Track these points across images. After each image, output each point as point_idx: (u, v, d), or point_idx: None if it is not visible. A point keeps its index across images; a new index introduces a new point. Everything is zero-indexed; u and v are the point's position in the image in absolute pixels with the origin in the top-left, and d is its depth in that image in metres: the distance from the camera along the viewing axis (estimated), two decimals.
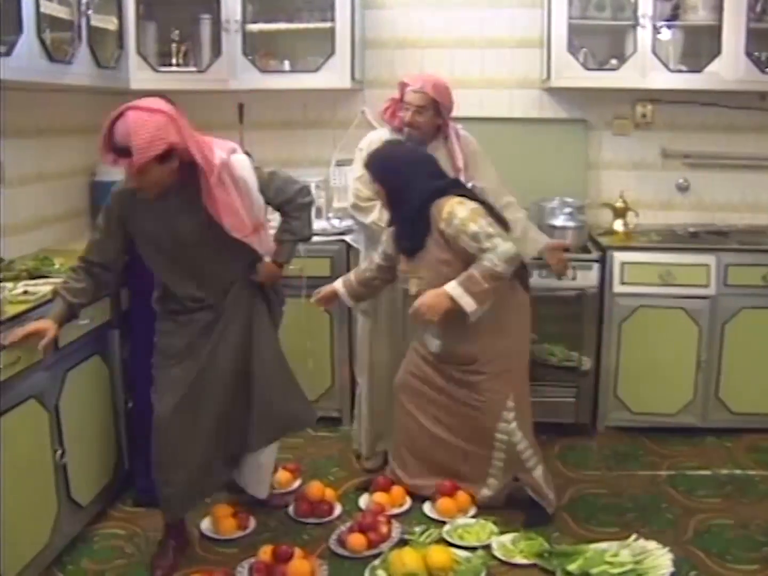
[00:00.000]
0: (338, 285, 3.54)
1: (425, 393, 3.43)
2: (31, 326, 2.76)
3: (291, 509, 3.46)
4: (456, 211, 3.12)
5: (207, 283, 3.00)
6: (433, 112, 3.52)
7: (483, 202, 3.25)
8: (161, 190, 2.78)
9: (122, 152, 2.60)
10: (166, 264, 3.00)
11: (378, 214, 3.53)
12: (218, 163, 2.79)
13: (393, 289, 3.60)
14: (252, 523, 3.36)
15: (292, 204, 3.12)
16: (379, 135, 3.67)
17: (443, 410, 3.41)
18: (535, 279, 3.96)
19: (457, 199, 3.17)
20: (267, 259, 3.14)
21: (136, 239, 2.97)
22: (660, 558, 3.00)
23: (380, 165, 3.30)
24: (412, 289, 3.29)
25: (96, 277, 2.99)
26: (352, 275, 3.56)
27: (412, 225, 3.24)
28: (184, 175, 2.78)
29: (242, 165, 2.94)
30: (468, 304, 3.06)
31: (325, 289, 3.55)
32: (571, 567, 2.94)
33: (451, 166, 3.56)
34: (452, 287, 3.07)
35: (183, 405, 2.99)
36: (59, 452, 2.99)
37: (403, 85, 3.57)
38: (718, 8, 4.08)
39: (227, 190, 2.83)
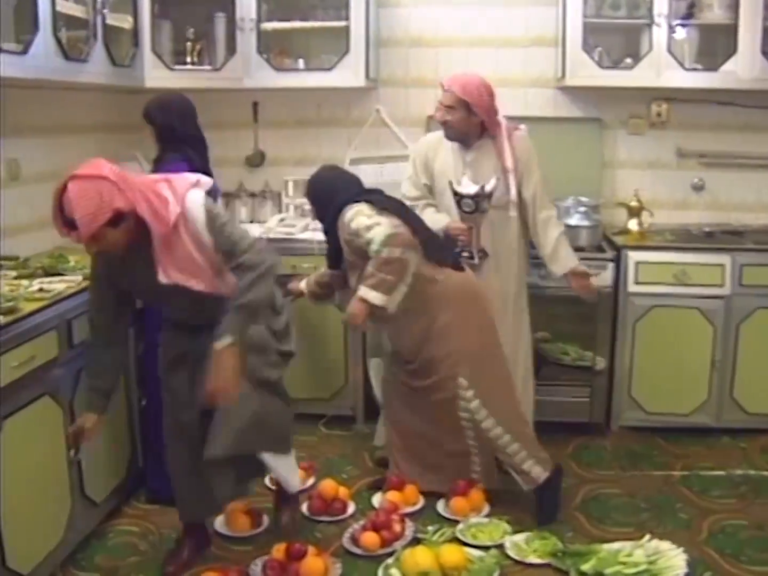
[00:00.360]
0: (303, 283, 3.70)
1: (403, 383, 3.51)
2: (80, 425, 2.86)
3: (305, 507, 3.46)
4: (345, 217, 3.27)
5: (193, 310, 2.89)
6: (465, 111, 3.52)
7: (381, 202, 3.34)
8: (124, 247, 2.65)
9: (71, 225, 2.49)
10: (150, 301, 3.09)
11: (420, 213, 3.60)
12: (173, 218, 2.64)
13: None
14: (265, 520, 3.37)
15: (234, 260, 2.70)
16: (428, 139, 3.81)
17: (415, 398, 3.47)
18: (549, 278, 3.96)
19: (349, 207, 3.29)
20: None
21: (119, 284, 2.87)
22: (674, 558, 2.99)
23: (310, 190, 3.49)
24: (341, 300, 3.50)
25: (111, 341, 2.92)
26: (313, 275, 3.69)
27: (330, 241, 3.42)
28: (146, 229, 2.63)
29: (194, 205, 2.67)
30: (376, 298, 3.18)
31: (295, 286, 3.71)
32: (585, 567, 2.94)
33: (500, 166, 3.57)
34: (359, 289, 3.21)
35: (185, 413, 2.96)
36: (73, 449, 2.99)
37: (441, 85, 3.62)
38: (734, 7, 4.06)
39: (183, 241, 2.68)
